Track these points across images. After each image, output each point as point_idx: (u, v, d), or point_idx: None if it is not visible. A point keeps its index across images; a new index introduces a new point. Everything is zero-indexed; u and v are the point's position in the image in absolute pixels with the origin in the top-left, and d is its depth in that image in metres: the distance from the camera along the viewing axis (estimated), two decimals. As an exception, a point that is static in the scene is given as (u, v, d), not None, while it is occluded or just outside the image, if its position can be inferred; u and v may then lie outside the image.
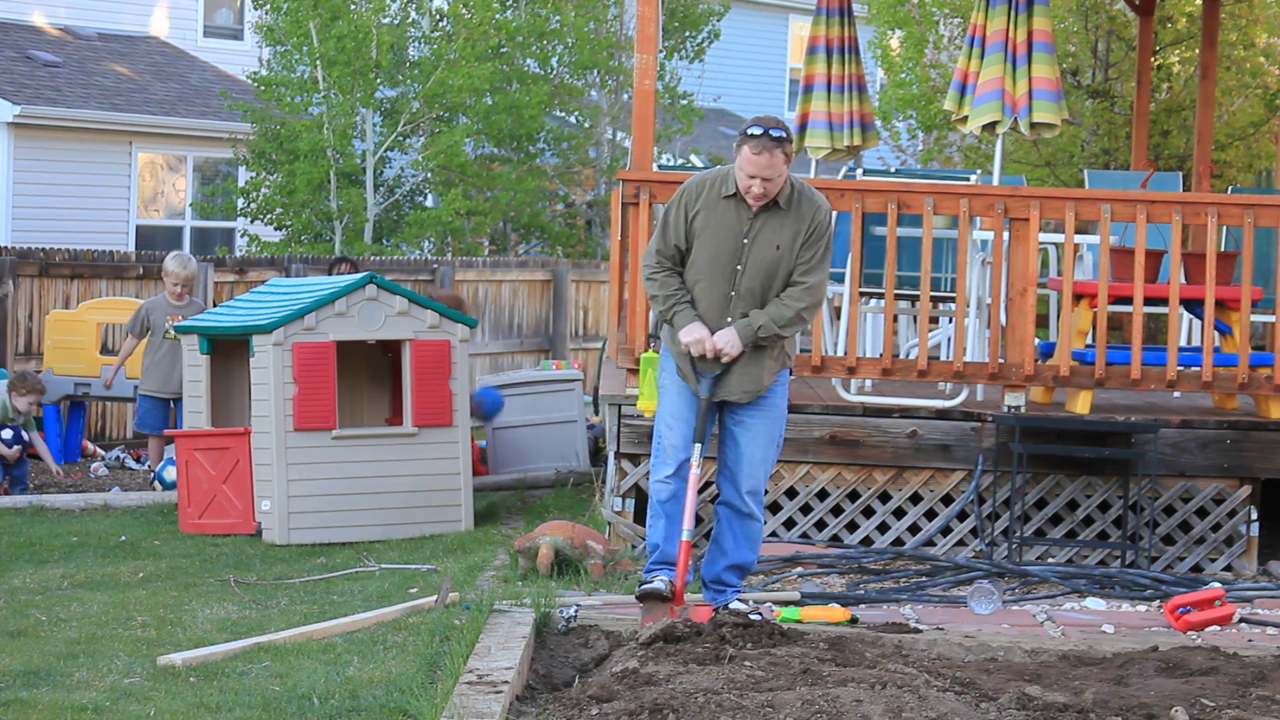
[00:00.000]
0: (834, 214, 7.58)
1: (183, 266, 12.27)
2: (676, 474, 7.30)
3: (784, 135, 7.05)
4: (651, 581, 7.18)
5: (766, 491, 8.13)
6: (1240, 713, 5.72)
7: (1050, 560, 9.19)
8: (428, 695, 5.82)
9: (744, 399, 7.32)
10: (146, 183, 21.34)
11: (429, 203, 21.67)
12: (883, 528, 9.35)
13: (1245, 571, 9.23)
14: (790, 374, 7.57)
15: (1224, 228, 10.06)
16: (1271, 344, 10.32)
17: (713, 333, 7.22)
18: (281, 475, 9.74)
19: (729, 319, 7.24)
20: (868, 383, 9.95)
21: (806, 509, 9.35)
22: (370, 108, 20.05)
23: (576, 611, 7.18)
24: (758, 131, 7.04)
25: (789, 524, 9.34)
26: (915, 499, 9.36)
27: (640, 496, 9.28)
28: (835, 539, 9.26)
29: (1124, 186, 11.62)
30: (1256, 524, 9.29)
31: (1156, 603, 8.41)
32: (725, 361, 7.21)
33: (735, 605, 7.30)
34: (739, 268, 7.22)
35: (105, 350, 14.08)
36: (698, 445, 7.22)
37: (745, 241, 7.21)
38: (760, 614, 7.18)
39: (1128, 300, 9.40)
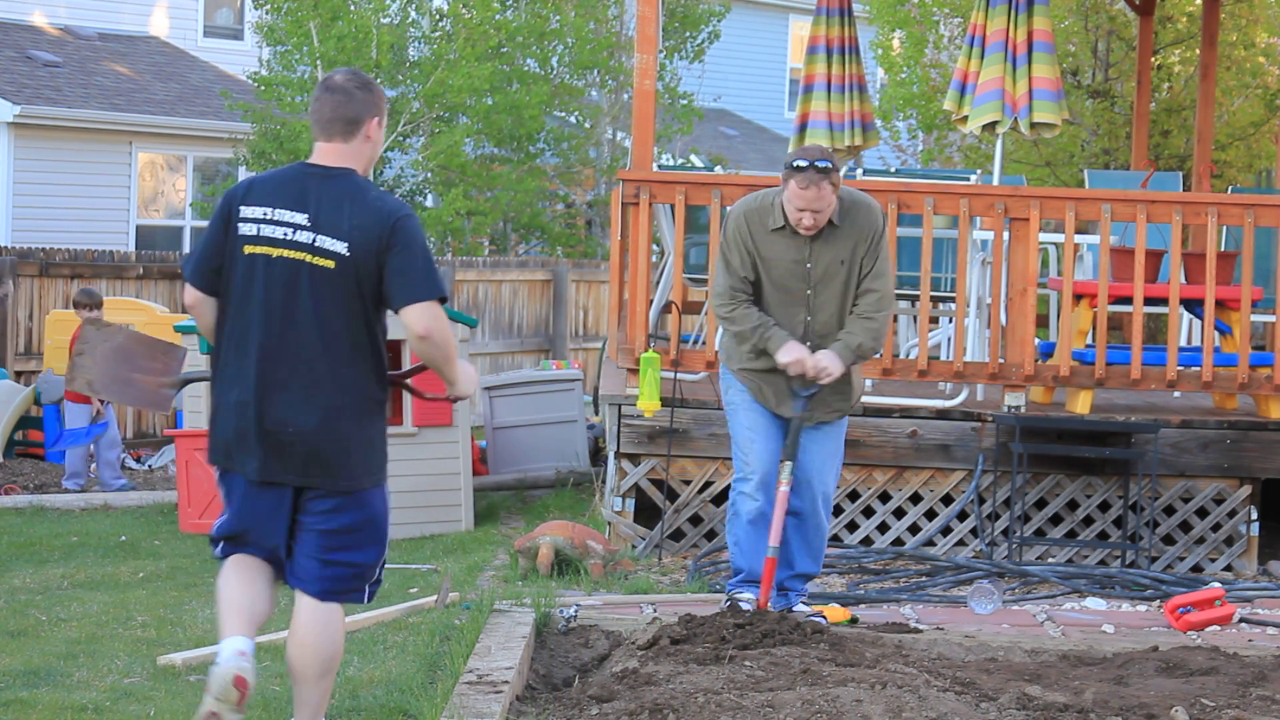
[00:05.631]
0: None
1: None
2: (763, 491, 7.24)
3: (830, 165, 6.95)
4: (739, 601, 7.18)
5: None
6: (1240, 713, 5.72)
7: (1050, 560, 9.19)
8: (428, 695, 5.82)
9: (833, 417, 7.28)
10: (147, 183, 21.34)
11: (429, 203, 21.66)
12: (883, 527, 9.35)
13: (1245, 571, 9.22)
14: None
15: (1224, 228, 10.06)
16: (1271, 344, 10.33)
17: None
18: (281, 475, 9.71)
19: (808, 343, 7.15)
20: (868, 382, 9.94)
21: (807, 509, 9.34)
22: (370, 108, 20.01)
23: (576, 611, 7.18)
24: (803, 164, 6.92)
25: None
26: (915, 499, 9.36)
27: (640, 496, 9.27)
28: (835, 539, 9.25)
29: (1124, 186, 11.62)
30: (1257, 524, 9.29)
31: (1157, 603, 8.41)
32: (824, 382, 7.10)
33: (799, 608, 7.35)
34: (809, 292, 7.15)
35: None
36: (788, 464, 7.11)
37: (809, 266, 7.13)
38: (823, 617, 7.20)
39: (1128, 300, 9.39)
